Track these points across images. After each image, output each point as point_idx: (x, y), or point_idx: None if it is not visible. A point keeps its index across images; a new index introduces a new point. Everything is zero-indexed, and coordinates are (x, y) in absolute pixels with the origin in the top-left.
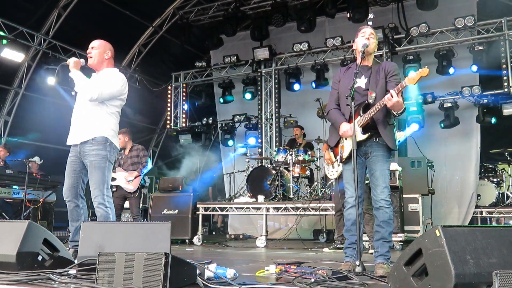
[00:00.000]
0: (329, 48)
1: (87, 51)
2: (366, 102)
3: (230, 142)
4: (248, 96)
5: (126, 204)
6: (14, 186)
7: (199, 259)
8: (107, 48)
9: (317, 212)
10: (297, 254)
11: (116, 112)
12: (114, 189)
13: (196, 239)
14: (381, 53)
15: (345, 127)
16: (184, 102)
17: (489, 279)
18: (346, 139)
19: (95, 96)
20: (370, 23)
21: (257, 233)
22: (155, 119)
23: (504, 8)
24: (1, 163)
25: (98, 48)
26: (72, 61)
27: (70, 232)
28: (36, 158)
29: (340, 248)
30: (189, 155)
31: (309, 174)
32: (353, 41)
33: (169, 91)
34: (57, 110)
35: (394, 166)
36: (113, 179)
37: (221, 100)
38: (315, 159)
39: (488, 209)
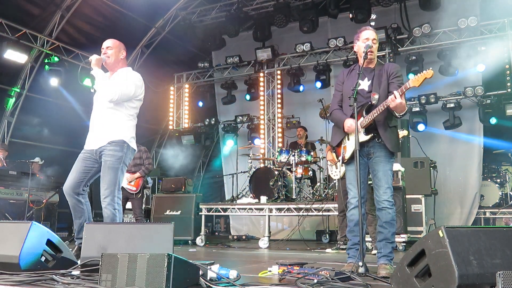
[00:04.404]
0: (331, 48)
1: (103, 51)
2: (370, 103)
3: (232, 143)
4: (248, 97)
5: (129, 205)
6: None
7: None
8: (121, 47)
9: (320, 213)
10: (299, 254)
11: (134, 114)
12: None
13: (199, 240)
14: (383, 53)
15: (349, 122)
16: (186, 103)
17: (492, 280)
18: (348, 139)
19: (115, 97)
20: (372, 23)
21: (259, 234)
22: (158, 120)
23: (507, 8)
24: (4, 164)
25: (114, 48)
26: (94, 58)
27: (75, 230)
28: (37, 159)
29: (343, 249)
30: (192, 156)
31: (311, 175)
32: (355, 43)
33: (172, 92)
34: (59, 111)
35: (397, 166)
36: None
37: (223, 101)
38: (318, 159)
39: (491, 210)
